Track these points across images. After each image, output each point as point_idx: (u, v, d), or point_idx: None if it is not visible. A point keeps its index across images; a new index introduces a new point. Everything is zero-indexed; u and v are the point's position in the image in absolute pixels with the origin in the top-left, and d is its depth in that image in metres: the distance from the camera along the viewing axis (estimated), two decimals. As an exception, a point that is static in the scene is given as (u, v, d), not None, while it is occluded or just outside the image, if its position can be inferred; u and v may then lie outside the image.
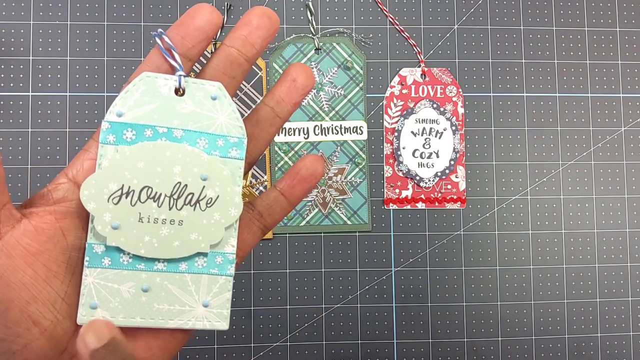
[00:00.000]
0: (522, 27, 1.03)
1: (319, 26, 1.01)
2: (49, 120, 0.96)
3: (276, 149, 0.99)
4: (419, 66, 1.02)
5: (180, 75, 0.45)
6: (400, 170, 1.00)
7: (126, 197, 0.45)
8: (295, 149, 0.99)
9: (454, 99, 1.01)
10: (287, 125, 0.99)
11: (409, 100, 1.01)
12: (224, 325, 0.48)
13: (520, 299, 1.00)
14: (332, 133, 1.00)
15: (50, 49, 0.97)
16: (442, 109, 1.01)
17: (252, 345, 0.97)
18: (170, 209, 0.46)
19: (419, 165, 1.00)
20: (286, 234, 0.99)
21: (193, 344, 0.96)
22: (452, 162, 1.00)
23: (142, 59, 0.98)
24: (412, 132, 1.00)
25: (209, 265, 0.47)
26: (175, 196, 0.46)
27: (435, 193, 1.01)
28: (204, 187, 0.46)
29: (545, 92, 1.03)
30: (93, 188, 0.44)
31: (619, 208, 1.03)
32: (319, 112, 1.00)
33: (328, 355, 0.98)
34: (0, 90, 0.96)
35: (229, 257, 0.48)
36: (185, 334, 0.49)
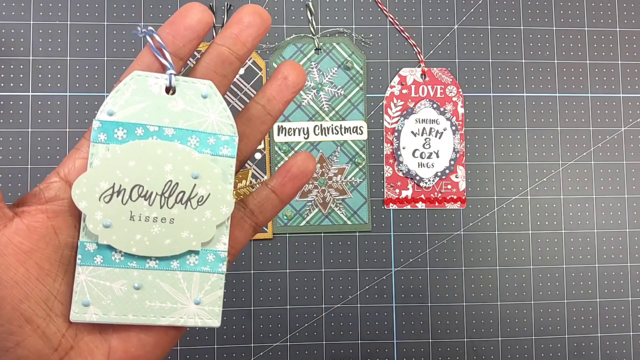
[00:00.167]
0: (522, 27, 1.03)
1: (319, 26, 1.01)
2: (49, 120, 0.96)
3: (276, 149, 0.99)
4: (419, 66, 1.02)
5: (171, 74, 0.45)
6: (400, 170, 1.00)
7: (117, 196, 0.45)
8: (295, 149, 0.99)
9: (454, 99, 1.01)
10: (287, 125, 0.99)
11: (409, 100, 1.01)
12: (215, 322, 0.48)
13: (520, 299, 1.00)
14: (332, 133, 1.00)
15: (50, 49, 0.97)
16: (442, 109, 1.01)
17: (252, 345, 0.97)
18: (161, 207, 0.46)
19: (419, 165, 1.00)
20: (286, 234, 0.99)
21: (193, 344, 0.96)
22: (452, 162, 1.00)
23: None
24: (412, 132, 1.00)
25: (200, 263, 0.48)
26: (167, 194, 0.46)
27: (435, 193, 1.01)
28: (195, 185, 0.46)
29: (545, 92, 1.03)
30: (84, 187, 0.44)
31: (619, 208, 1.03)
32: (319, 112, 1.00)
33: (328, 355, 0.98)
34: (0, 90, 0.96)
35: (221, 254, 0.48)
36: (178, 331, 0.49)
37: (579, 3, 1.04)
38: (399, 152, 1.00)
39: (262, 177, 0.99)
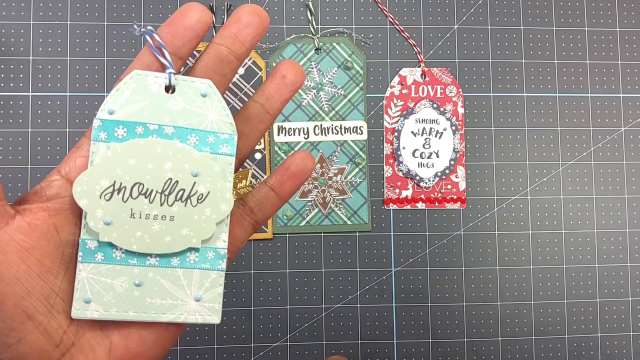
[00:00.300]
0: (522, 27, 1.03)
1: (319, 26, 1.01)
2: (49, 120, 0.96)
3: (276, 149, 0.99)
4: (419, 66, 1.02)
5: (170, 73, 0.46)
6: (400, 170, 1.00)
7: (118, 194, 0.46)
8: (295, 149, 0.99)
9: (454, 99, 1.01)
10: (287, 125, 0.99)
11: (409, 100, 1.01)
12: (215, 319, 0.48)
13: (520, 299, 1.00)
14: (332, 133, 1.00)
15: (50, 49, 0.97)
16: (442, 109, 1.01)
17: (252, 345, 0.97)
18: (161, 204, 0.46)
19: (419, 165, 1.00)
20: (286, 234, 0.99)
21: (193, 344, 0.96)
22: (452, 162, 1.01)
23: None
24: (412, 132, 1.00)
25: (200, 260, 0.48)
26: (167, 192, 0.46)
27: (435, 193, 1.01)
28: (194, 183, 0.47)
29: (545, 92, 1.03)
30: (85, 185, 0.45)
31: (619, 208, 1.03)
32: (319, 112, 1.00)
33: (328, 355, 0.98)
34: (0, 90, 0.96)
35: (221, 252, 0.48)
36: (179, 328, 0.49)
37: (579, 3, 1.04)
38: (399, 152, 1.00)
39: (262, 177, 0.99)
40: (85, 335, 0.46)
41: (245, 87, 0.99)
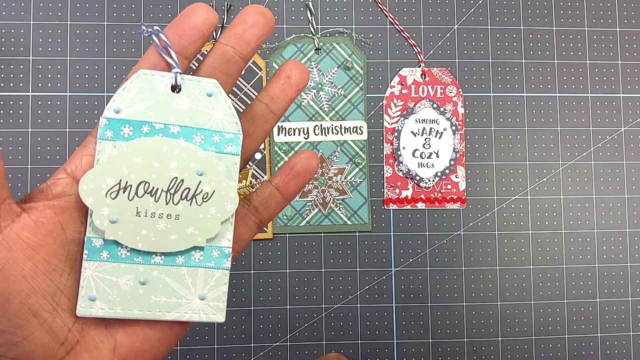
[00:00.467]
0: (522, 27, 1.03)
1: (319, 26, 1.01)
2: (49, 120, 0.96)
3: (276, 149, 0.99)
4: (419, 66, 1.02)
5: (177, 73, 0.46)
6: (400, 170, 1.00)
7: (124, 192, 0.46)
8: (296, 149, 0.99)
9: (454, 99, 1.02)
10: (287, 125, 0.99)
11: (409, 100, 1.01)
12: (220, 317, 0.49)
13: (520, 299, 1.00)
14: (332, 133, 1.00)
15: (50, 49, 0.97)
16: (442, 109, 1.01)
17: (252, 345, 0.97)
18: (167, 203, 0.46)
19: (419, 165, 1.00)
20: (286, 234, 0.99)
21: (193, 344, 0.96)
22: (452, 162, 1.01)
23: (142, 59, 0.98)
24: (412, 132, 1.01)
25: (205, 258, 0.48)
26: (172, 191, 0.46)
27: (435, 193, 1.01)
28: (200, 182, 0.47)
29: (545, 92, 1.03)
30: (91, 183, 0.45)
31: (619, 208, 1.03)
32: (319, 112, 1.00)
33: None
34: (0, 90, 0.96)
35: (225, 251, 0.48)
36: (183, 327, 0.50)
37: (579, 3, 1.04)
38: (399, 152, 1.00)
39: (262, 177, 0.99)
40: (90, 333, 0.46)
41: (246, 87, 0.99)
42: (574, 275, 1.01)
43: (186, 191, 0.47)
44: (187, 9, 0.46)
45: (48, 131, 0.96)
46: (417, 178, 1.00)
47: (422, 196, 1.01)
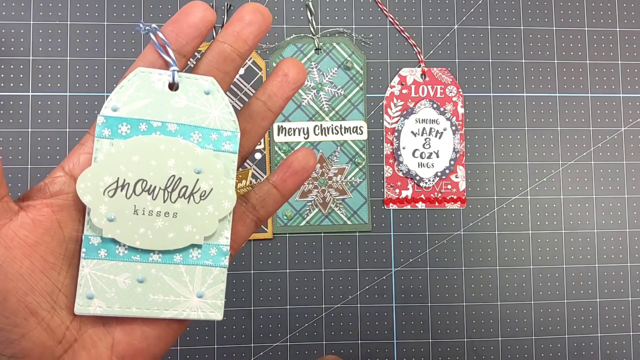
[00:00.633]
0: (522, 27, 1.03)
1: (319, 26, 1.01)
2: (49, 120, 0.96)
3: (276, 149, 0.99)
4: (419, 66, 1.02)
5: (174, 70, 0.46)
6: (400, 170, 1.00)
7: (121, 190, 0.46)
8: (295, 149, 0.99)
9: (454, 99, 1.02)
10: (287, 125, 0.99)
11: (409, 100, 1.01)
12: (218, 315, 0.49)
13: (520, 299, 1.00)
14: (332, 133, 1.00)
15: (50, 49, 0.97)
16: (442, 109, 1.01)
17: (252, 345, 0.97)
18: (164, 201, 0.46)
19: (419, 165, 1.00)
20: (286, 234, 0.99)
21: (193, 344, 0.96)
22: (452, 162, 1.01)
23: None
24: (412, 132, 1.01)
25: (203, 256, 0.48)
26: (170, 189, 0.46)
27: (435, 193, 1.01)
28: (197, 180, 0.47)
29: (545, 92, 1.03)
30: (89, 181, 0.45)
31: (619, 208, 1.03)
32: (319, 112, 1.00)
33: (327, 355, 0.98)
34: (0, 90, 0.96)
35: (223, 248, 0.48)
36: (181, 325, 0.50)
37: (579, 3, 1.04)
38: (399, 152, 1.00)
39: (262, 177, 0.99)
40: (87, 331, 0.46)
41: (245, 87, 0.99)
42: (574, 275, 1.01)
43: (184, 189, 0.47)
44: (184, 7, 0.46)
45: (48, 131, 0.96)
46: (417, 178, 1.00)
47: (422, 196, 1.01)
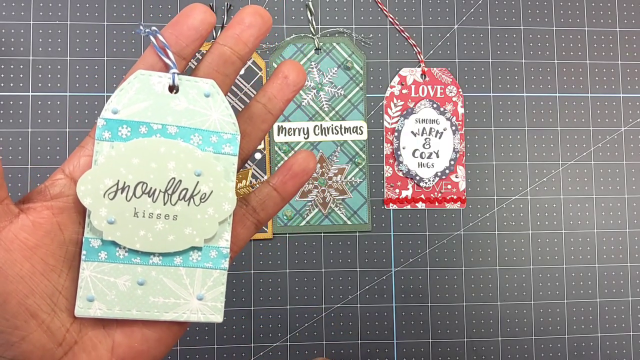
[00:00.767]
0: (522, 27, 1.03)
1: (319, 26, 1.01)
2: (49, 120, 0.96)
3: (276, 149, 0.99)
4: (419, 66, 1.02)
5: (174, 73, 0.46)
6: (400, 170, 1.00)
7: (122, 193, 0.46)
8: (295, 149, 0.99)
9: (454, 99, 1.02)
10: (287, 125, 0.99)
11: (409, 100, 1.01)
12: (218, 318, 0.49)
13: (520, 299, 1.00)
14: (332, 133, 1.00)
15: (50, 49, 0.97)
16: (442, 109, 1.01)
17: (252, 345, 0.97)
18: (164, 204, 0.46)
19: (419, 165, 1.00)
20: (286, 234, 0.99)
21: (193, 344, 0.96)
22: (452, 162, 1.01)
23: (142, 59, 0.98)
24: (412, 132, 1.01)
25: (203, 259, 0.48)
26: (170, 191, 0.46)
27: (435, 193, 1.01)
28: (198, 182, 0.47)
29: (545, 92, 1.03)
30: (89, 184, 0.45)
31: (619, 208, 1.03)
32: (319, 112, 1.00)
33: (328, 355, 0.98)
34: (0, 90, 0.96)
35: (223, 251, 0.48)
36: (181, 327, 0.50)
37: (579, 3, 1.04)
38: (399, 152, 1.00)
39: (262, 177, 0.99)
40: (88, 333, 0.46)
41: (245, 87, 0.99)
42: (574, 275, 1.01)
43: (184, 192, 0.47)
44: (184, 9, 0.46)
45: (48, 131, 0.96)
46: (417, 178, 1.00)
47: (422, 196, 1.01)
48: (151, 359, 0.48)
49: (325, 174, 1.00)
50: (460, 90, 1.02)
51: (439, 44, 1.02)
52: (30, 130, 0.96)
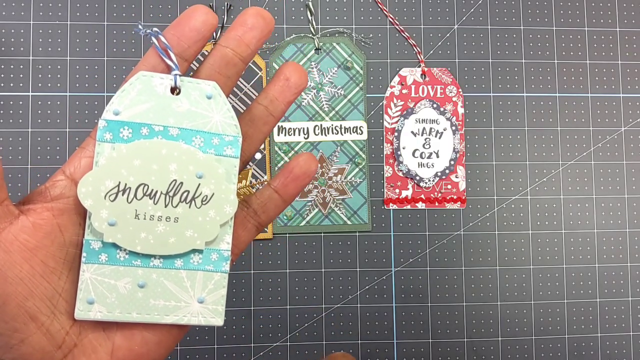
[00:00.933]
0: (522, 27, 1.03)
1: (319, 26, 1.01)
2: (49, 120, 0.96)
3: (276, 149, 0.99)
4: (419, 66, 1.02)
5: (176, 74, 0.46)
6: (400, 170, 1.00)
7: (123, 195, 0.46)
8: (295, 149, 0.99)
9: (454, 99, 1.01)
10: (287, 125, 0.99)
11: (409, 100, 1.01)
12: (218, 321, 0.49)
13: (520, 299, 1.00)
14: (332, 133, 1.00)
15: (50, 49, 0.97)
16: (442, 109, 1.01)
17: (252, 345, 0.97)
18: (166, 206, 0.46)
19: (419, 165, 1.00)
20: (286, 234, 0.99)
21: (193, 344, 0.96)
22: (452, 162, 1.01)
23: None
24: (412, 132, 1.00)
25: (204, 261, 0.48)
26: (171, 193, 0.46)
27: (435, 193, 1.01)
28: (199, 184, 0.47)
29: (545, 92, 1.03)
30: (90, 185, 0.45)
31: (619, 208, 1.03)
32: (319, 112, 1.00)
33: (328, 355, 0.98)
34: (0, 90, 0.96)
35: (224, 254, 0.48)
36: (181, 330, 0.49)
37: (579, 3, 1.04)
38: (399, 152, 1.00)
39: (262, 177, 0.99)
40: (87, 336, 0.46)
41: (245, 87, 0.99)
42: (574, 275, 1.01)
43: (185, 194, 0.47)
44: (186, 10, 0.46)
45: (48, 131, 0.96)
46: (417, 178, 1.00)
47: (422, 196, 1.01)
48: (151, 362, 0.49)
49: (325, 174, 1.00)
50: (460, 90, 1.02)
51: (439, 44, 1.02)
52: (30, 130, 0.96)
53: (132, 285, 0.46)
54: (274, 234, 0.99)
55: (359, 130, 1.00)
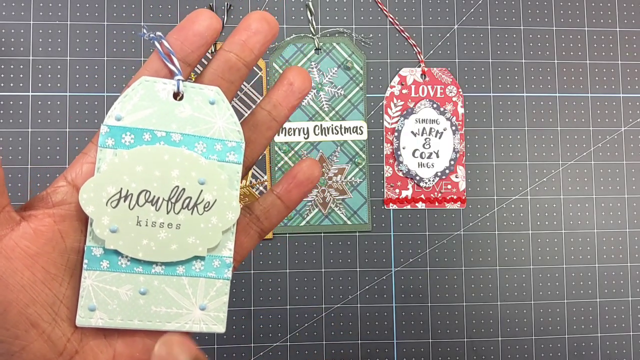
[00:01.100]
0: (522, 27, 1.03)
1: (319, 26, 1.01)
2: (49, 120, 0.96)
3: (276, 149, 0.99)
4: (419, 66, 1.02)
5: (179, 80, 0.46)
6: (400, 170, 1.00)
7: (124, 201, 0.45)
8: (295, 149, 0.99)
9: (454, 99, 1.01)
10: (287, 125, 0.99)
11: (409, 100, 1.01)
12: (220, 328, 0.49)
13: (520, 299, 1.00)
14: (332, 133, 1.00)
15: (50, 49, 0.97)
16: (442, 109, 1.01)
17: (252, 345, 0.97)
18: (168, 212, 0.46)
19: (419, 165, 1.00)
20: (286, 234, 0.99)
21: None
22: (452, 162, 1.01)
23: (142, 59, 0.98)
24: (412, 132, 1.00)
25: (206, 268, 0.48)
26: (173, 200, 0.46)
27: (435, 193, 1.01)
28: (201, 191, 0.47)
29: (545, 92, 1.03)
30: (92, 191, 0.45)
31: (619, 208, 1.03)
32: (319, 112, 1.00)
33: (328, 355, 0.98)
34: (0, 90, 0.96)
35: (226, 260, 0.48)
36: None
37: (579, 3, 1.04)
38: (399, 152, 1.00)
39: (262, 177, 0.99)
40: (89, 343, 0.46)
41: (245, 87, 0.99)
42: (574, 275, 1.01)
43: (187, 200, 0.47)
44: (190, 15, 0.46)
45: (48, 131, 0.96)
46: (417, 178, 1.00)
47: (422, 196, 1.01)
48: (152, 369, 0.48)
49: (325, 174, 1.00)
50: (460, 90, 1.02)
51: (439, 44, 1.02)
52: (30, 130, 0.96)
53: (134, 292, 0.46)
54: (274, 234, 0.99)
55: (359, 130, 1.00)
